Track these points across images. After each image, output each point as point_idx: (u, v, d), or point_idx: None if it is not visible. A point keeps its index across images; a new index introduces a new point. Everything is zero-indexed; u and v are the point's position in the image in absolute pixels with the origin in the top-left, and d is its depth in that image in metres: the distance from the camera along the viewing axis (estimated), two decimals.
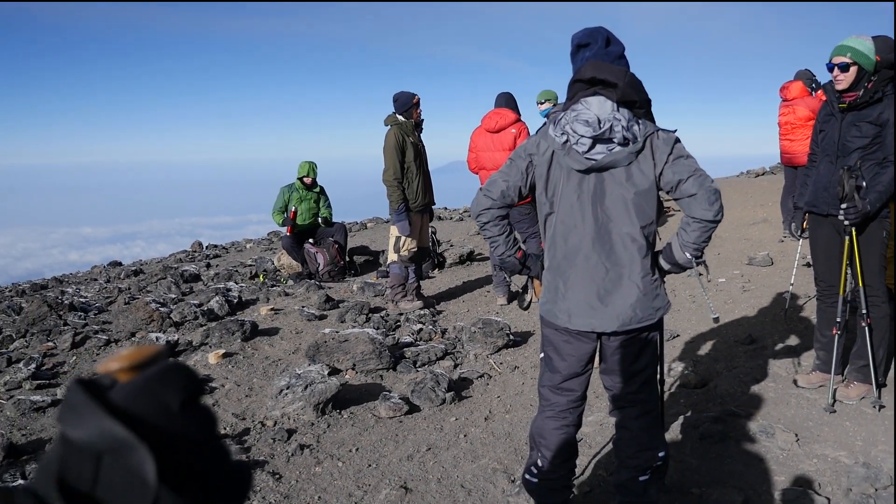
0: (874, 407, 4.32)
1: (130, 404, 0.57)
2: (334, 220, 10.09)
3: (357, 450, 4.26)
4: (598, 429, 4.35)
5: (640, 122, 2.84)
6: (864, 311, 4.33)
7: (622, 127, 2.77)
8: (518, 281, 7.56)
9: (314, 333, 6.35)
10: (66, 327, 6.97)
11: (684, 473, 3.73)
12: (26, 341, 6.68)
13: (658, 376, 3.17)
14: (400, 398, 4.82)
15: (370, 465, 4.08)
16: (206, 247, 14.85)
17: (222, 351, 5.89)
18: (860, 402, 4.43)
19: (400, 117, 7.25)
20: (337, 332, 5.81)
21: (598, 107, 2.82)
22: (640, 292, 2.88)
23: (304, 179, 9.70)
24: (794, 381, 4.78)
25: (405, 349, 5.96)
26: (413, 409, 4.80)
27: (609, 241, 2.87)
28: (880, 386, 4.43)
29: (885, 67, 4.19)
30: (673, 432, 4.22)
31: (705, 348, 5.75)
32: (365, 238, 12.89)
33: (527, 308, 3.74)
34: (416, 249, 7.40)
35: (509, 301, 7.57)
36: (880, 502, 3.37)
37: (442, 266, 9.77)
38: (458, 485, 3.83)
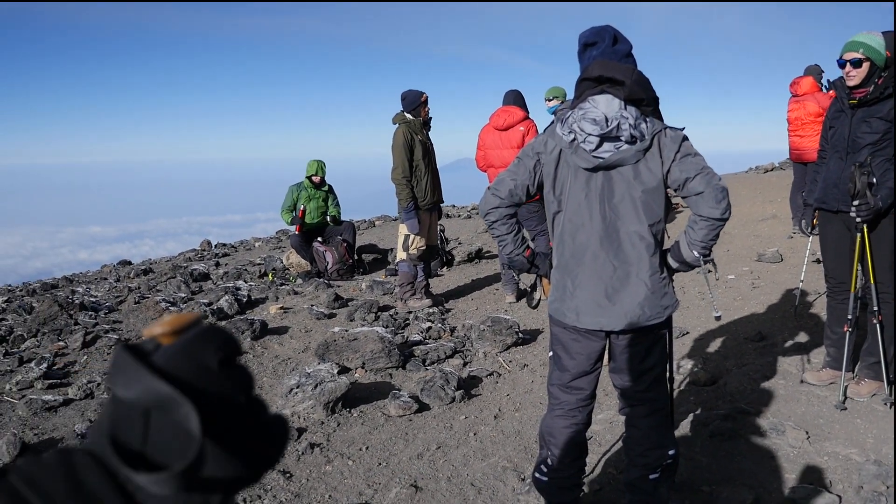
0: (885, 404, 4.31)
1: (172, 364, 0.61)
2: (343, 218, 10.11)
3: (367, 448, 4.27)
4: (607, 427, 4.35)
5: (647, 120, 2.83)
6: (875, 308, 4.31)
7: (630, 125, 2.77)
8: (527, 279, 7.56)
9: (323, 332, 6.37)
10: (76, 327, 7.01)
11: (694, 471, 3.73)
12: (37, 341, 6.72)
13: (667, 374, 3.17)
14: (409, 397, 4.82)
15: (380, 464, 4.09)
16: (215, 245, 14.90)
17: None
18: (871, 399, 4.41)
19: (408, 115, 7.26)
20: (346, 330, 5.83)
21: (605, 105, 2.82)
22: (649, 290, 2.87)
23: (313, 178, 9.71)
24: (804, 379, 4.76)
25: (414, 347, 5.97)
26: (423, 407, 4.81)
27: (617, 240, 2.87)
28: (891, 383, 4.41)
29: None
30: (683, 430, 4.21)
31: (715, 345, 5.74)
32: (373, 236, 12.91)
33: (536, 306, 3.75)
34: (424, 247, 7.41)
35: (518, 299, 7.57)
36: (892, 500, 3.36)
37: (450, 264, 9.78)
38: (468, 483, 3.84)
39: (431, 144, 7.43)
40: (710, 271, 3.06)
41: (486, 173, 7.38)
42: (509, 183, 3.02)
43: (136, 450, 0.59)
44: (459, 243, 11.21)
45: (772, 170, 16.96)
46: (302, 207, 9.61)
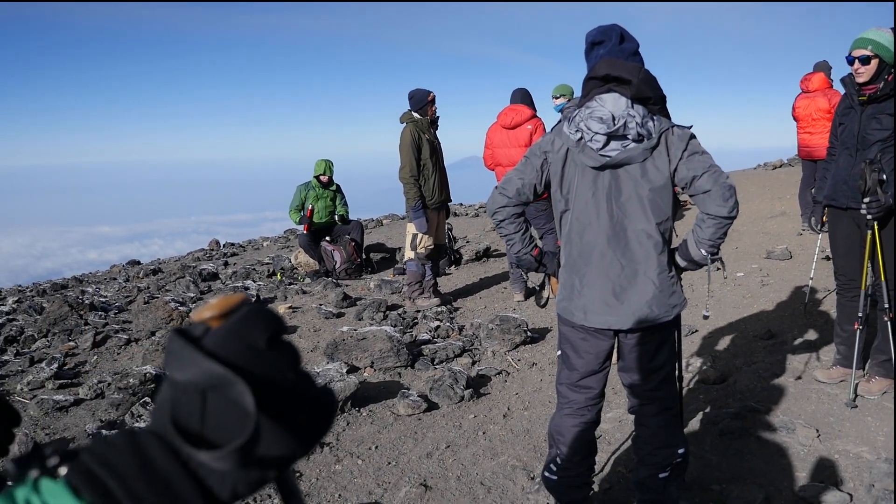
0: None
1: (223, 346, 0.64)
2: (351, 217, 10.12)
3: (376, 447, 4.28)
4: (617, 425, 4.34)
5: (654, 118, 2.83)
6: (885, 306, 4.29)
7: (636, 123, 2.77)
8: (535, 277, 7.56)
9: (332, 331, 6.38)
10: (86, 327, 7.05)
11: (704, 470, 3.72)
12: (48, 341, 6.76)
13: (676, 372, 3.16)
14: (418, 396, 4.83)
15: (389, 463, 4.09)
16: (224, 245, 14.93)
17: None
18: (882, 396, 4.39)
19: (415, 114, 7.26)
20: (355, 329, 5.84)
21: (612, 104, 2.81)
22: (656, 289, 2.87)
23: (321, 177, 9.72)
24: (815, 377, 4.75)
25: (423, 346, 5.98)
26: (432, 406, 4.81)
27: (624, 238, 2.87)
28: None
29: None
30: (692, 429, 4.21)
31: (724, 343, 5.72)
32: (381, 235, 12.92)
33: (544, 305, 3.75)
34: (432, 246, 7.41)
35: (526, 297, 7.57)
36: None
37: (458, 263, 9.78)
38: (477, 482, 3.84)
39: (439, 143, 7.43)
40: (718, 269, 3.05)
41: (493, 172, 7.37)
42: (517, 182, 3.02)
43: (196, 429, 0.63)
44: (467, 242, 11.21)
45: (780, 166, 16.89)
46: (310, 207, 9.62)
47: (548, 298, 3.67)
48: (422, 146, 7.13)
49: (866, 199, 4.11)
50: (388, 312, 7.11)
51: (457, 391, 4.90)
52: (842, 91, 4.56)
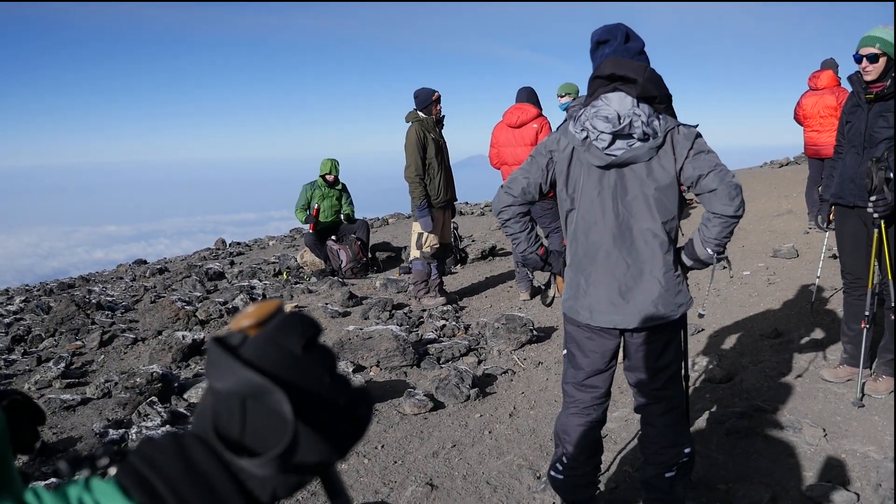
0: None
1: (260, 354, 0.66)
2: (356, 216, 10.13)
3: (382, 447, 4.29)
4: (623, 424, 4.34)
5: (660, 117, 2.82)
6: (893, 304, 4.28)
7: (642, 122, 2.76)
8: (541, 276, 7.55)
9: (338, 331, 6.39)
10: (93, 326, 7.07)
11: (711, 469, 3.72)
12: (55, 340, 6.79)
13: (682, 372, 3.16)
14: (424, 395, 4.83)
15: (396, 462, 4.10)
16: (230, 244, 14.97)
17: None
18: (889, 395, 4.38)
19: (421, 114, 7.26)
20: (361, 329, 5.84)
21: (617, 103, 2.81)
22: (662, 288, 2.87)
23: (327, 177, 9.73)
24: (822, 376, 4.73)
25: (429, 346, 5.98)
26: (437, 405, 4.81)
27: (630, 237, 2.87)
28: None
29: None
30: (698, 428, 4.20)
31: (730, 342, 5.71)
32: (387, 234, 12.93)
33: (550, 304, 3.75)
34: (438, 245, 7.41)
35: (532, 296, 7.56)
36: None
37: (464, 262, 9.78)
38: (483, 481, 3.84)
39: (444, 142, 7.43)
40: (724, 267, 3.05)
41: (499, 171, 7.37)
42: (522, 181, 3.02)
43: (236, 436, 0.65)
44: (473, 241, 11.20)
45: (787, 164, 16.85)
46: (316, 206, 9.63)
47: (553, 297, 3.67)
48: (427, 145, 7.13)
49: (873, 198, 4.10)
50: (393, 311, 7.12)
51: (463, 390, 4.90)
52: (849, 89, 4.54)
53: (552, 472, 3.20)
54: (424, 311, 7.26)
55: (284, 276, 9.82)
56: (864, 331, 4.37)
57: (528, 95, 7.31)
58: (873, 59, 4.15)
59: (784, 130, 9.00)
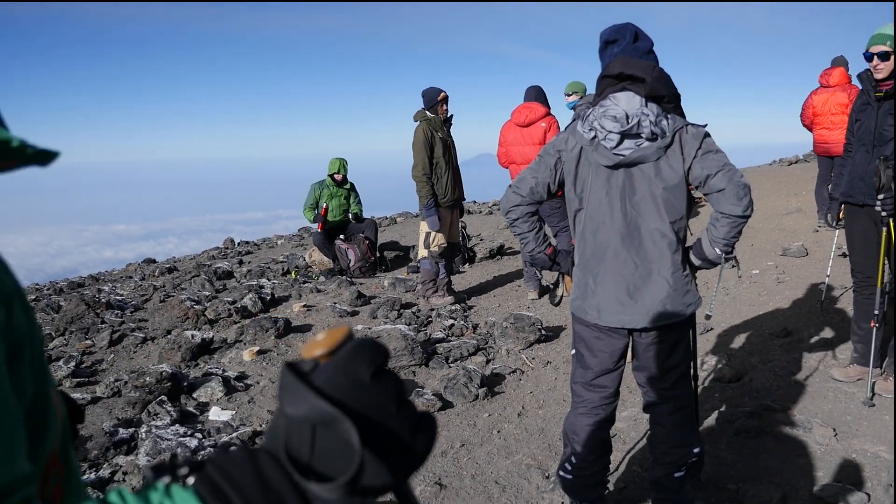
0: None
1: (331, 383, 0.68)
2: (364, 215, 10.14)
3: None
4: (631, 424, 4.33)
5: (668, 116, 2.82)
6: None
7: (650, 122, 2.76)
8: (549, 275, 7.54)
9: None
10: (103, 325, 7.10)
11: (720, 469, 3.71)
12: (65, 339, 6.82)
13: (691, 371, 3.15)
14: (433, 394, 4.84)
15: None
16: (238, 243, 15.00)
17: (256, 348, 5.95)
18: None
19: (428, 113, 7.26)
20: (369, 328, 5.85)
21: (626, 102, 2.81)
22: (671, 288, 2.86)
23: (335, 176, 9.75)
24: (832, 375, 4.72)
25: (437, 345, 5.98)
26: (446, 405, 4.82)
27: (638, 237, 2.86)
28: None
29: None
30: (708, 427, 4.19)
31: (739, 341, 5.70)
32: (395, 233, 12.94)
33: (558, 304, 3.75)
34: (446, 245, 7.41)
35: (540, 295, 7.56)
36: None
37: (472, 261, 9.78)
38: (492, 481, 3.84)
39: (452, 141, 7.43)
40: (733, 266, 3.04)
41: (507, 170, 7.37)
42: (530, 181, 3.02)
43: (305, 459, 0.68)
44: (481, 240, 11.20)
45: (796, 162, 16.78)
46: (324, 205, 9.65)
47: (562, 297, 3.67)
48: (434, 144, 7.13)
49: (881, 196, 4.08)
50: (402, 311, 7.12)
51: (471, 390, 4.90)
52: (860, 86, 4.52)
53: (561, 472, 3.20)
54: (433, 310, 7.26)
55: (293, 275, 9.84)
56: (874, 330, 4.35)
57: (537, 94, 7.30)
58: (884, 56, 4.12)
59: (793, 128, 8.95)
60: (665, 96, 2.80)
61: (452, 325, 6.63)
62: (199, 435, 4.24)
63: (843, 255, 6.45)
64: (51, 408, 0.81)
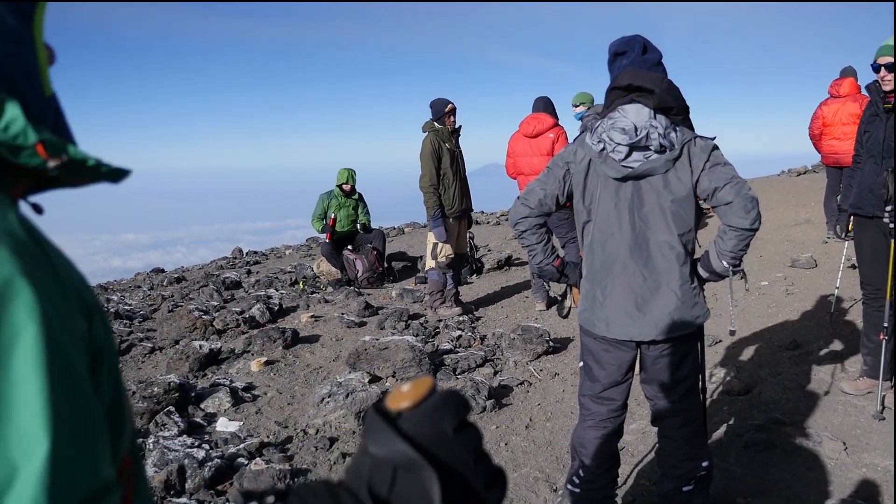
0: None
1: (416, 430, 0.71)
2: (372, 225, 10.16)
3: None
4: (640, 437, 4.31)
5: (677, 129, 2.82)
6: None
7: (659, 134, 2.76)
8: (557, 287, 7.54)
9: (354, 341, 6.39)
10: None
11: (729, 483, 3.69)
12: None
13: (700, 384, 3.14)
14: None
15: None
16: (247, 253, 15.02)
17: (264, 358, 5.96)
18: None
19: (436, 124, 7.28)
20: (377, 339, 5.85)
21: (634, 114, 2.81)
22: (679, 300, 2.86)
23: (343, 186, 9.77)
24: (841, 388, 4.69)
25: (445, 356, 5.97)
26: None
27: (647, 249, 2.86)
28: None
29: None
30: (717, 441, 4.17)
31: (748, 354, 5.67)
32: (402, 243, 12.94)
33: (566, 316, 3.74)
34: (453, 255, 7.41)
35: (548, 307, 7.54)
36: None
37: (480, 271, 9.77)
38: None
39: (460, 152, 7.44)
40: (741, 278, 3.03)
41: (515, 180, 7.37)
42: (539, 192, 3.03)
43: (384, 497, 0.70)
44: (489, 250, 11.19)
45: (805, 173, 16.74)
46: (333, 216, 9.67)
47: (569, 309, 3.67)
48: (442, 155, 7.15)
49: (888, 208, 4.07)
50: (409, 322, 7.12)
51: (479, 402, 4.89)
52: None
53: (569, 486, 3.18)
54: (440, 321, 7.25)
55: (301, 285, 9.86)
56: (884, 342, 4.32)
57: (545, 105, 7.31)
58: (892, 68, 4.11)
59: (802, 137, 8.92)
60: (674, 108, 2.81)
61: (460, 336, 6.63)
62: (206, 446, 4.24)
63: (853, 266, 6.42)
64: (125, 413, 0.84)
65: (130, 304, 9.01)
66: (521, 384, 5.40)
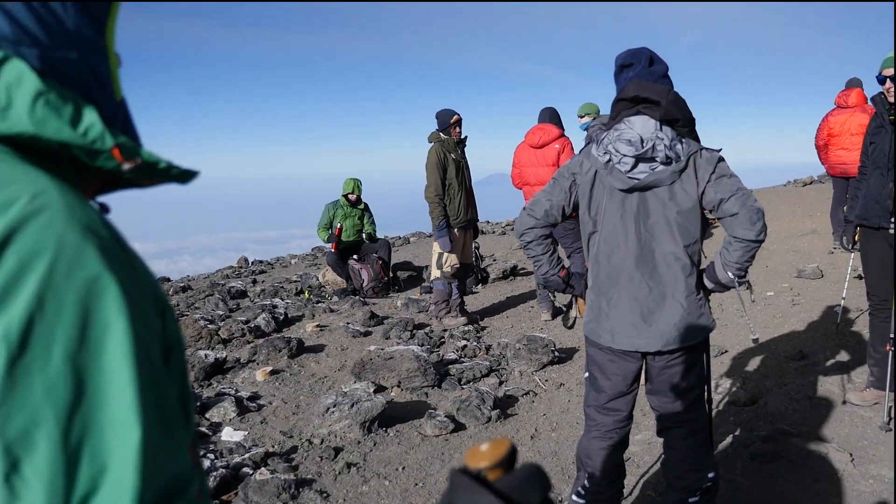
0: None
1: (508, 492, 0.74)
2: (378, 234, 10.18)
3: (403, 468, 4.28)
4: (645, 448, 4.30)
5: (683, 140, 2.83)
6: None
7: (665, 146, 2.77)
8: (562, 297, 7.53)
9: (359, 350, 6.40)
10: None
11: (735, 494, 3.67)
12: None
13: (706, 395, 3.14)
14: (445, 416, 4.82)
15: (416, 484, 4.09)
16: (252, 262, 15.05)
17: (269, 368, 5.97)
18: None
19: (442, 135, 7.30)
20: (382, 349, 5.85)
21: (640, 126, 2.82)
22: (684, 311, 2.86)
23: (349, 196, 9.80)
24: (848, 399, 4.67)
25: (450, 366, 5.96)
26: (459, 427, 4.80)
27: (652, 261, 2.87)
28: None
29: None
30: (722, 452, 4.15)
31: (754, 364, 5.66)
32: (408, 253, 12.96)
33: (571, 326, 3.74)
34: (458, 265, 7.42)
35: (553, 317, 7.54)
36: None
37: (485, 281, 9.78)
38: None
39: (466, 163, 7.46)
40: (747, 289, 3.03)
41: (521, 191, 7.38)
42: (545, 203, 3.03)
43: None
44: (494, 260, 11.20)
45: (811, 183, 16.73)
46: (338, 225, 9.69)
47: (575, 319, 3.67)
48: (447, 166, 7.17)
49: (893, 219, 4.07)
50: (415, 331, 7.12)
51: (484, 412, 4.89)
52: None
53: (574, 497, 3.18)
54: (445, 331, 7.25)
55: (306, 294, 9.87)
56: (891, 353, 4.31)
57: (551, 116, 7.33)
58: None
59: (809, 147, 8.91)
60: (680, 120, 2.81)
61: (465, 346, 6.63)
62: (211, 455, 4.25)
63: (859, 277, 6.41)
64: (190, 405, 0.87)
65: None
66: (526, 394, 5.40)
